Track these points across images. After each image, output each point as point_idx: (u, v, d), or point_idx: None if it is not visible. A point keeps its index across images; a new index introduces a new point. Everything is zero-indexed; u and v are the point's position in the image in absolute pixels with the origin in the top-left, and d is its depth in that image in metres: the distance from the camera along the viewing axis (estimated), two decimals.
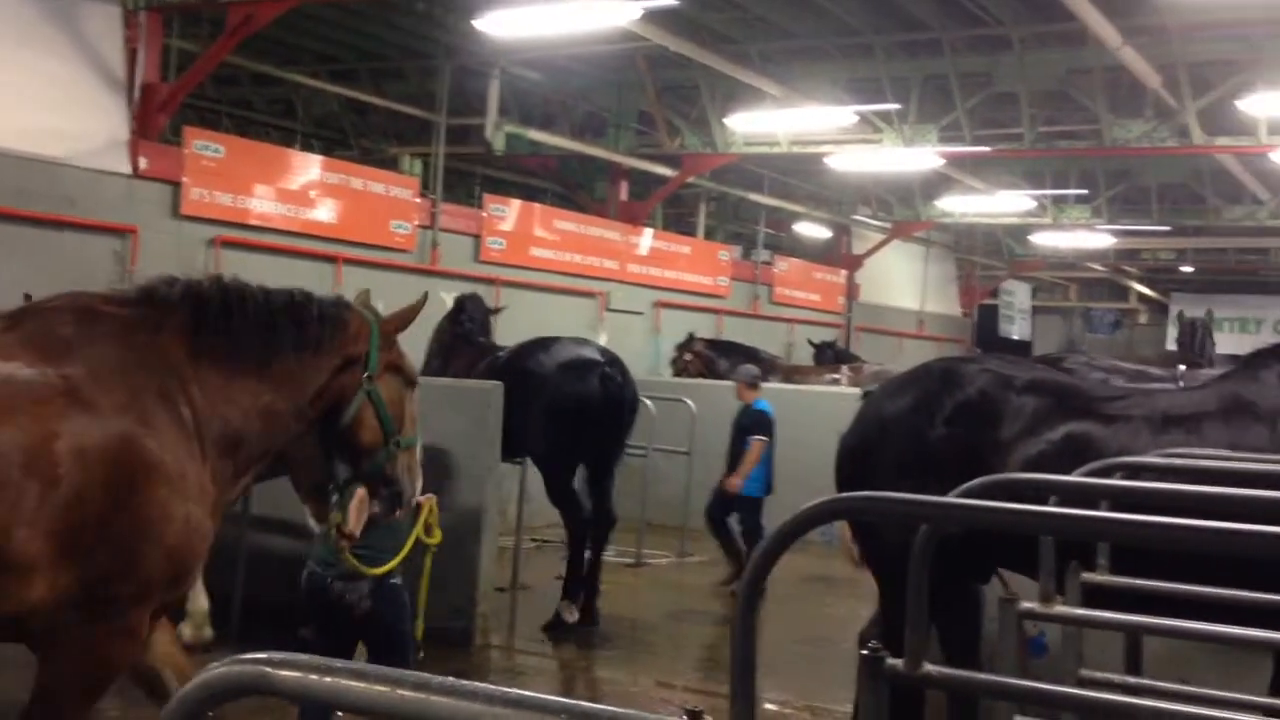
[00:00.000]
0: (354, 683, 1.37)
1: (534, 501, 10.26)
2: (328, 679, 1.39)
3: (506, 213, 15.26)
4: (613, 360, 8.75)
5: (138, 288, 3.94)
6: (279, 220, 12.18)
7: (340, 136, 17.78)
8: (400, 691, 1.35)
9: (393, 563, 5.08)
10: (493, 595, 8.02)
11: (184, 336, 3.77)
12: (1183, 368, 10.20)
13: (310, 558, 5.19)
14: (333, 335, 4.12)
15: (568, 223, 16.37)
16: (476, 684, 1.34)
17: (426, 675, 1.35)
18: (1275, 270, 28.09)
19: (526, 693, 1.31)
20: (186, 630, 6.91)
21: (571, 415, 8.30)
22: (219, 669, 1.41)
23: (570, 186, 18.59)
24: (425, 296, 4.73)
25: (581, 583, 8.40)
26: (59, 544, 3.33)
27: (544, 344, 8.91)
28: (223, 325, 3.86)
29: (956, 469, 3.94)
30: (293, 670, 1.41)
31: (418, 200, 13.82)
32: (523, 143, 15.49)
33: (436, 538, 5.47)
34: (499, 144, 14.50)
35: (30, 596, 3.33)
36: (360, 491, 4.67)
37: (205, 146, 11.51)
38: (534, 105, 16.40)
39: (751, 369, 11.04)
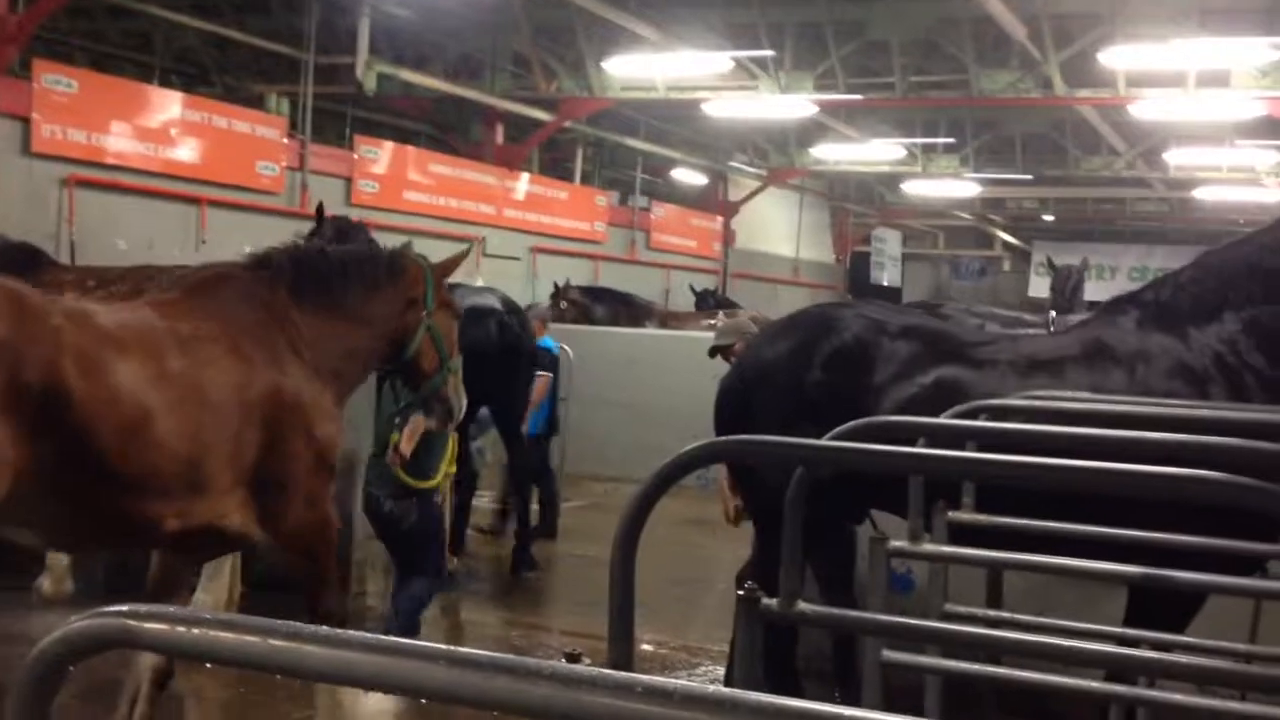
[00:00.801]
0: (223, 633, 1.33)
1: None
2: (195, 630, 1.34)
3: (379, 155, 14.93)
4: (512, 308, 8.65)
5: (257, 255, 4.77)
6: (137, 159, 11.70)
7: (201, 73, 17.10)
8: (272, 641, 1.31)
9: (435, 480, 6.07)
10: (367, 543, 7.93)
11: (293, 295, 4.57)
12: (1053, 314, 10.52)
13: (367, 481, 6.27)
14: (399, 282, 4.92)
15: (443, 166, 16.09)
16: (351, 632, 1.31)
17: (299, 624, 1.31)
18: (1130, 220, 29.20)
19: (403, 640, 1.28)
20: (46, 584, 6.68)
21: (470, 361, 8.18)
22: (79, 623, 1.35)
23: (444, 129, 18.26)
24: (470, 246, 6.10)
25: (459, 531, 8.37)
26: (235, 468, 4.13)
27: None
28: (320, 283, 4.66)
29: (832, 413, 4.00)
30: (158, 623, 1.36)
31: (285, 141, 13.41)
32: (395, 84, 15.14)
33: (453, 469, 6.53)
34: (370, 84, 14.12)
35: (218, 510, 4.13)
36: (416, 418, 5.69)
37: (57, 81, 10.96)
38: (406, 45, 15.99)
39: (543, 308, 11.14)
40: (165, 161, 11.99)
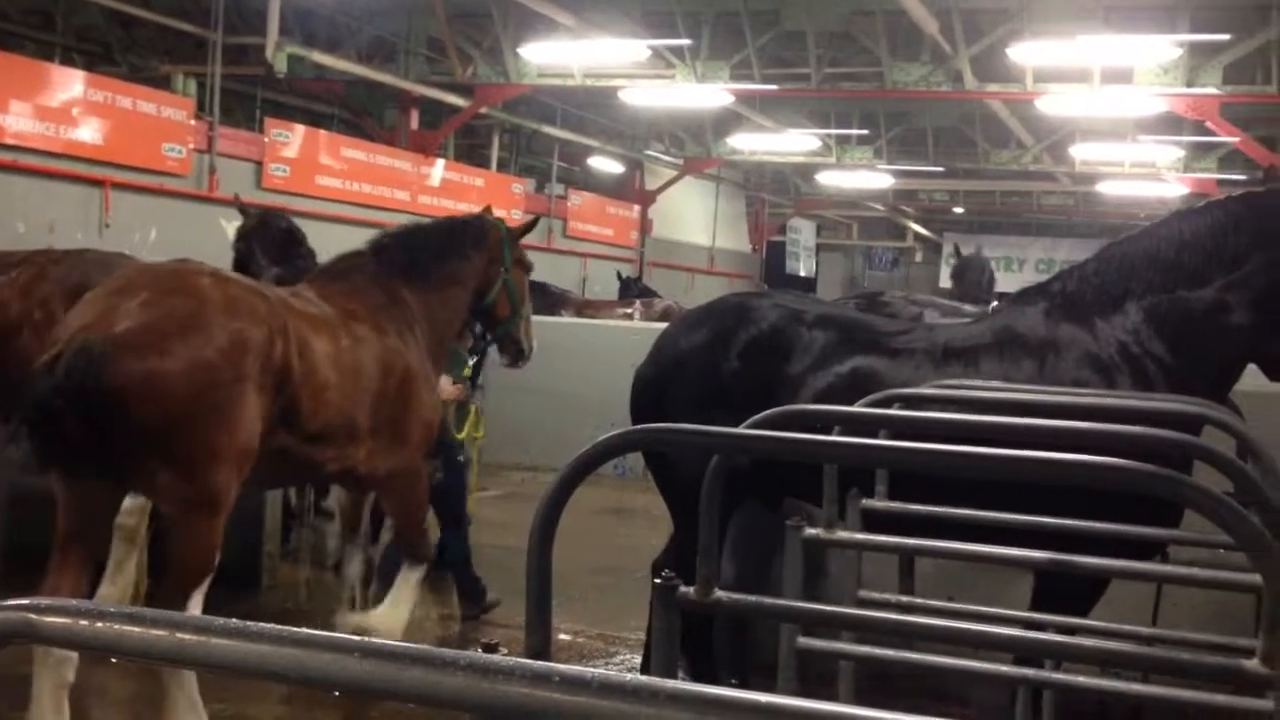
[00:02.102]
0: (129, 627, 1.30)
1: None
2: (99, 624, 1.31)
3: (290, 138, 14.66)
4: None
5: (373, 242, 5.53)
6: (37, 140, 11.34)
7: (105, 52, 16.62)
8: (180, 635, 1.28)
9: (461, 435, 7.23)
10: (279, 534, 7.80)
11: (403, 276, 5.39)
12: (995, 304, 10.60)
13: None
14: (483, 245, 5.77)
15: (356, 151, 15.86)
16: (262, 625, 1.28)
17: (209, 618, 1.29)
18: (1037, 212, 29.86)
19: (316, 632, 1.26)
20: None
21: None
22: None
23: (358, 114, 17.99)
24: (536, 219, 6.95)
25: (376, 521, 8.24)
26: (372, 422, 5.00)
27: None
28: (421, 261, 5.47)
29: (749, 401, 4.03)
30: (60, 616, 1.33)
31: (192, 122, 13.10)
32: (306, 66, 14.87)
33: (481, 433, 7.78)
34: (281, 66, 13.84)
35: (357, 456, 5.01)
36: (443, 382, 6.33)
37: None
38: (318, 26, 15.71)
39: None
40: (67, 143, 11.64)
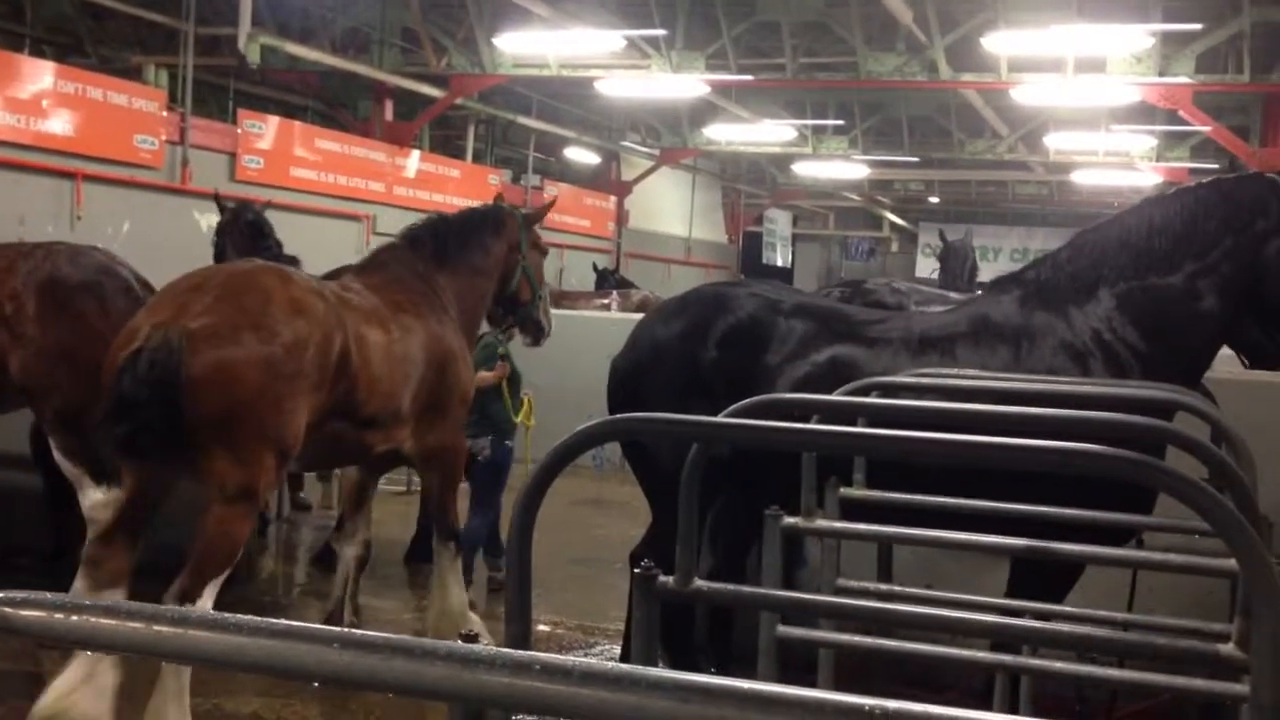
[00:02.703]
0: (105, 620, 1.28)
1: None
2: (74, 617, 1.29)
3: (264, 130, 14.56)
4: None
5: (409, 233, 5.97)
6: (7, 131, 11.22)
7: (76, 43, 16.46)
8: (156, 627, 1.27)
9: (516, 418, 7.58)
10: (256, 528, 7.76)
11: (435, 262, 5.84)
12: (979, 291, 10.59)
13: None
14: (502, 234, 6.19)
15: (330, 142, 15.77)
16: (240, 616, 1.27)
17: (185, 609, 1.27)
18: (1012, 202, 30.00)
19: (294, 623, 1.25)
20: None
21: None
22: None
23: (332, 105, 17.89)
24: (554, 199, 8.39)
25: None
26: (417, 405, 5.42)
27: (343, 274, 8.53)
28: (450, 249, 5.90)
29: (727, 391, 4.03)
30: (35, 610, 1.31)
31: (164, 114, 12.99)
32: (280, 56, 14.76)
33: (533, 422, 8.19)
34: (254, 56, 13.72)
35: (403, 437, 5.44)
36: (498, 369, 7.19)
37: None
38: (291, 16, 15.60)
39: None
40: (37, 134, 11.53)
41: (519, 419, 7.72)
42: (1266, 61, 14.17)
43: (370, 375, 5.07)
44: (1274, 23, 13.64)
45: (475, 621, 5.64)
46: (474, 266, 6.02)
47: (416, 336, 5.44)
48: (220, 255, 8.92)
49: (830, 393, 3.47)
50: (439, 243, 5.90)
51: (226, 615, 1.28)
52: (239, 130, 14.21)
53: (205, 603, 4.41)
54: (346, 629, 1.23)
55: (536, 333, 6.71)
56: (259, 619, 1.27)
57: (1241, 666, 2.25)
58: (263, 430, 4.56)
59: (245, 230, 8.90)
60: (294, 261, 9.08)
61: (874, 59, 15.20)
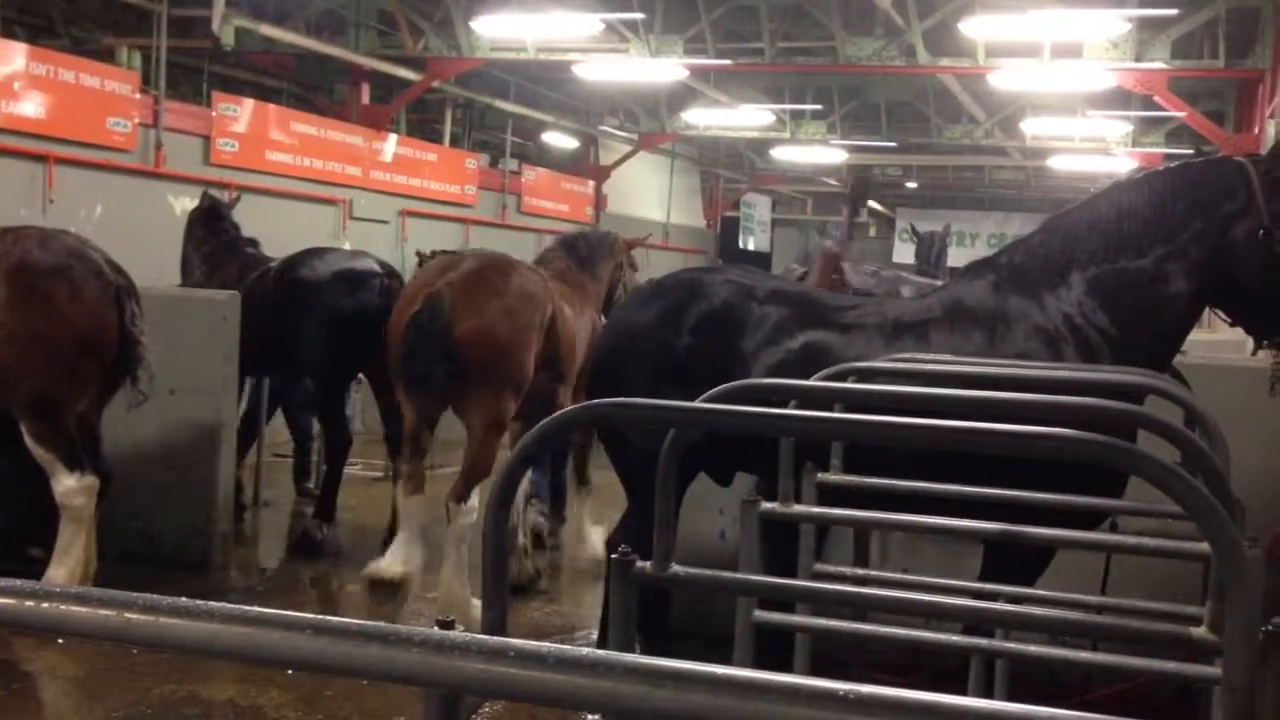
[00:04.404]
0: (75, 607, 1.28)
1: (278, 417, 9.92)
2: (45, 604, 1.28)
3: (239, 113, 14.45)
4: (391, 272, 8.46)
5: (565, 240, 7.78)
6: None
7: (47, 24, 16.25)
8: (128, 615, 1.26)
9: None
10: (232, 514, 7.73)
11: (579, 266, 7.47)
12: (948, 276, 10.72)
13: None
14: (614, 252, 7.83)
15: (307, 126, 15.66)
16: (212, 603, 1.27)
17: (157, 597, 1.27)
18: (990, 187, 30.08)
19: (267, 610, 1.25)
20: None
21: (351, 328, 7.96)
22: None
23: (308, 88, 17.75)
24: (647, 237, 9.37)
25: (331, 500, 8.19)
26: (574, 372, 6.85)
27: (319, 254, 8.44)
28: (589, 258, 7.56)
29: (702, 377, 4.03)
30: (5, 597, 1.30)
31: (138, 96, 12.87)
32: (255, 39, 14.63)
33: None
34: (228, 39, 13.59)
35: (565, 396, 6.74)
36: None
37: None
38: None
39: None
40: (8, 117, 11.40)
41: None
42: (1241, 47, 14.23)
43: (567, 337, 6.66)
44: (1249, 8, 13.69)
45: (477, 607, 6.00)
46: (598, 275, 7.58)
47: (584, 318, 7.04)
48: (189, 240, 9.10)
49: (805, 379, 3.47)
50: (584, 252, 7.55)
51: (199, 603, 1.28)
52: (213, 113, 14.09)
53: (473, 501, 6.10)
54: (321, 616, 1.22)
55: None
56: (231, 606, 1.26)
57: (1214, 649, 2.28)
58: (512, 374, 6.19)
59: (201, 219, 9.13)
60: (253, 244, 9.13)
61: (852, 44, 15.19)
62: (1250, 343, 4.88)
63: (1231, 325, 4.64)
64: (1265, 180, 4.25)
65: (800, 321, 4.60)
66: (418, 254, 10.41)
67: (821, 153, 23.80)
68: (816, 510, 3.46)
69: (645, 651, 2.39)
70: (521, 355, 6.21)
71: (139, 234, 11.11)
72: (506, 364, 6.15)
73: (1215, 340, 8.13)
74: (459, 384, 6.09)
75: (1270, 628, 1.98)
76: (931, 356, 4.07)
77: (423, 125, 20.46)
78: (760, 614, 3.13)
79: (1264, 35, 13.55)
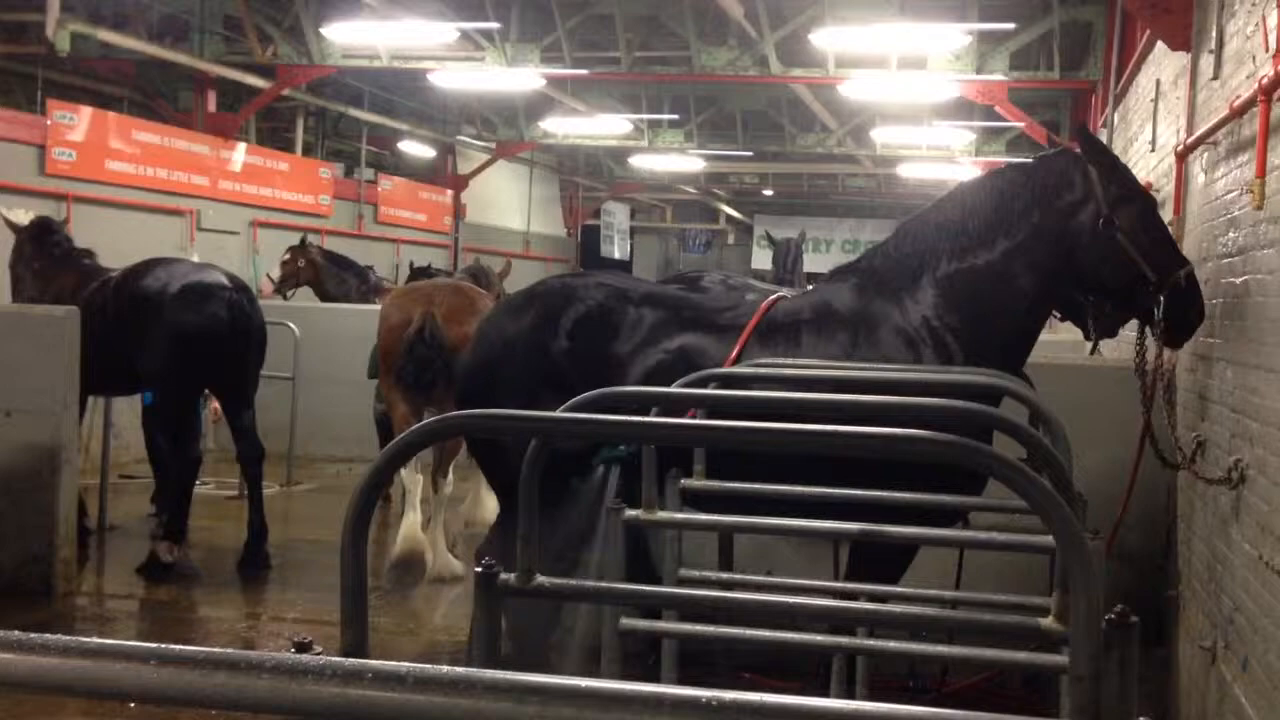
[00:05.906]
0: None
1: (121, 437, 9.53)
2: None
3: (76, 121, 13.86)
4: (240, 286, 8.18)
5: (469, 271, 9.69)
6: None
7: None
8: None
9: None
10: (74, 539, 7.38)
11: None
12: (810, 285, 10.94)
13: None
14: (493, 279, 9.00)
15: (150, 134, 15.10)
16: (48, 636, 1.20)
17: None
18: (842, 195, 30.81)
19: (108, 641, 1.18)
20: None
21: (196, 343, 7.66)
22: None
23: (150, 95, 17.14)
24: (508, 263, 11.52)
25: (181, 520, 7.89)
26: None
27: (163, 265, 8.11)
28: (484, 286, 8.79)
29: (580, 380, 4.02)
30: None
31: None
32: (92, 44, 14.06)
33: None
34: (63, 44, 13.00)
35: None
36: None
37: None
38: (104, 2, 14.87)
39: None
40: None
41: None
42: (1075, 59, 14.88)
43: None
44: (1082, 22, 14.32)
45: (455, 565, 7.56)
46: (495, 296, 8.42)
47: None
48: (18, 259, 8.88)
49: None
50: (483, 280, 8.87)
51: (34, 636, 1.20)
52: (49, 121, 13.48)
53: (450, 476, 7.79)
54: (163, 645, 1.17)
55: None
56: (69, 638, 1.20)
57: (1060, 638, 2.35)
58: None
59: (32, 233, 8.90)
60: (89, 254, 8.80)
61: (707, 53, 15.37)
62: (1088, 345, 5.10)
63: (1089, 338, 4.82)
64: (1100, 167, 4.42)
65: (676, 324, 4.63)
66: (411, 265, 12.44)
67: (679, 161, 24.03)
68: (680, 516, 3.48)
69: (524, 666, 2.36)
70: None
71: None
72: None
73: (1055, 340, 8.46)
74: (446, 381, 6.95)
75: (1113, 617, 2.06)
76: (793, 361, 4.14)
77: (274, 134, 19.95)
78: (626, 621, 3.12)
79: (1096, 48, 14.18)
